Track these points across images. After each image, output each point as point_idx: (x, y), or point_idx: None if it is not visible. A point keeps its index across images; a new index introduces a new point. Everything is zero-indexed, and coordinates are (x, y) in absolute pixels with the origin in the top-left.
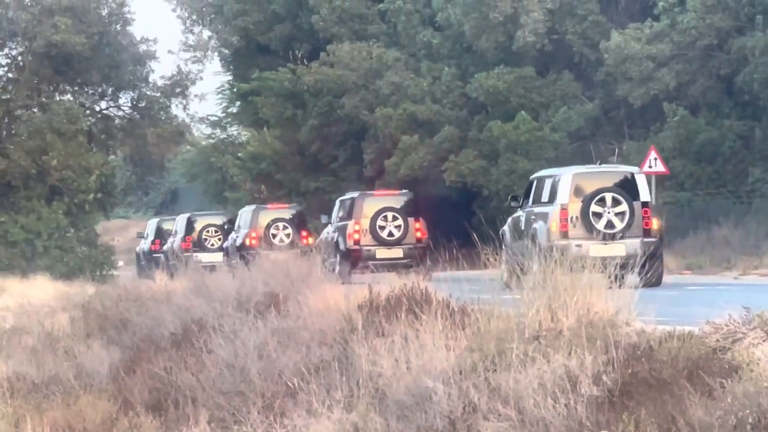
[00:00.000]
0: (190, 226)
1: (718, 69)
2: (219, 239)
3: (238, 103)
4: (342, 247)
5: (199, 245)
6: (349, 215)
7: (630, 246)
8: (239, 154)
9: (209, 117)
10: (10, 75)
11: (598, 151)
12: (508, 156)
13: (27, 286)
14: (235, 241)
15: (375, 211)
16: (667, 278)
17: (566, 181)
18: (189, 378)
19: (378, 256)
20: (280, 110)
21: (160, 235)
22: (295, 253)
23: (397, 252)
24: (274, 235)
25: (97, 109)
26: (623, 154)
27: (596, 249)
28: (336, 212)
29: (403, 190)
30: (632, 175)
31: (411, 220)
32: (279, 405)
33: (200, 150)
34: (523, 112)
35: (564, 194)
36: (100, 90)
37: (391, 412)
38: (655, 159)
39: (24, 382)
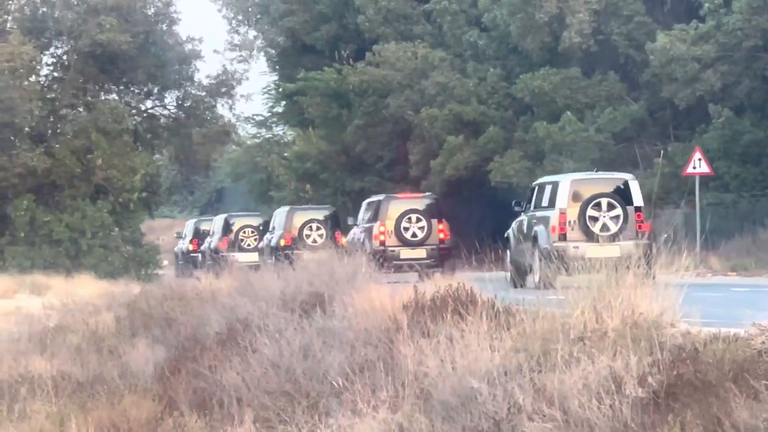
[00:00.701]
0: (227, 226)
1: (764, 70)
2: (255, 239)
3: (284, 102)
4: (368, 247)
5: (236, 245)
6: (374, 217)
7: (624, 247)
8: (284, 154)
9: (255, 117)
10: (55, 74)
11: (643, 152)
12: (553, 157)
13: (71, 284)
14: (270, 241)
15: (400, 213)
16: (711, 280)
17: (565, 186)
18: (234, 377)
19: (402, 257)
20: (325, 110)
21: (198, 235)
22: (332, 253)
23: (421, 252)
24: (308, 236)
25: (143, 108)
26: (668, 155)
27: (593, 250)
28: (362, 214)
29: (427, 193)
30: (626, 182)
31: (434, 221)
32: (324, 405)
33: (245, 150)
34: (568, 112)
35: (563, 199)
36: (145, 89)
37: (436, 413)
38: (700, 160)
39: (68, 382)
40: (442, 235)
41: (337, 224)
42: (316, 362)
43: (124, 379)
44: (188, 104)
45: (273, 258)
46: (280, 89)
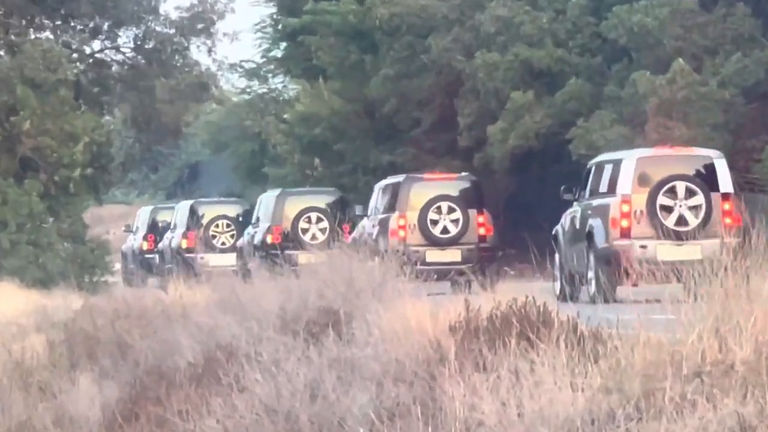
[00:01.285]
0: (194, 217)
1: None
2: (232, 236)
3: (284, 45)
4: (382, 247)
5: (206, 243)
6: (392, 206)
7: (707, 247)
8: (284, 116)
9: (243, 64)
10: None
11: None
12: (658, 120)
13: None
14: (252, 237)
15: (426, 200)
16: None
17: (629, 166)
18: (213, 427)
19: (428, 260)
20: (341, 55)
21: (156, 228)
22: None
23: (454, 254)
24: (305, 230)
25: (87, 52)
26: None
27: (665, 251)
28: (375, 202)
29: (464, 173)
30: (711, 160)
31: (473, 212)
32: None
33: (230, 110)
34: (680, 60)
35: (626, 183)
36: (91, 26)
37: None
38: None
39: None
40: (482, 231)
41: (344, 214)
42: (328, 406)
43: (61, 428)
44: (150, 46)
45: (256, 260)
46: (280, 26)
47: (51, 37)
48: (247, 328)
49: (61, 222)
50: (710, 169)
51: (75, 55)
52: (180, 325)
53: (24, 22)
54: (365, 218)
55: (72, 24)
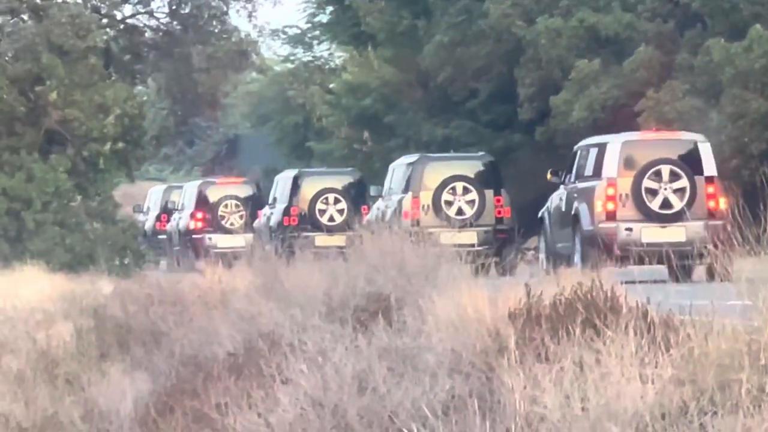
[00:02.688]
0: (201, 197)
1: None
2: (241, 216)
3: (330, 8)
4: (396, 228)
5: (215, 224)
6: (406, 187)
7: (691, 230)
8: (331, 86)
9: (286, 30)
10: None
11: None
12: (735, 92)
13: (11, 280)
14: (268, 219)
15: (441, 180)
16: None
17: (614, 150)
18: (255, 421)
19: (443, 242)
20: (392, 20)
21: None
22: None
23: (469, 236)
24: (323, 212)
25: (119, 17)
26: None
27: (650, 233)
28: (389, 182)
29: (480, 153)
30: (695, 144)
31: (489, 193)
32: None
33: (272, 79)
34: (758, 26)
35: (611, 166)
36: None
37: None
38: None
39: (6, 428)
40: (499, 213)
41: (362, 196)
42: (378, 399)
43: (90, 423)
44: (186, 11)
45: (271, 242)
46: None
47: (79, 0)
48: (290, 316)
49: (89, 200)
50: (695, 152)
51: (105, 21)
52: (218, 312)
53: None
54: (380, 199)
55: None
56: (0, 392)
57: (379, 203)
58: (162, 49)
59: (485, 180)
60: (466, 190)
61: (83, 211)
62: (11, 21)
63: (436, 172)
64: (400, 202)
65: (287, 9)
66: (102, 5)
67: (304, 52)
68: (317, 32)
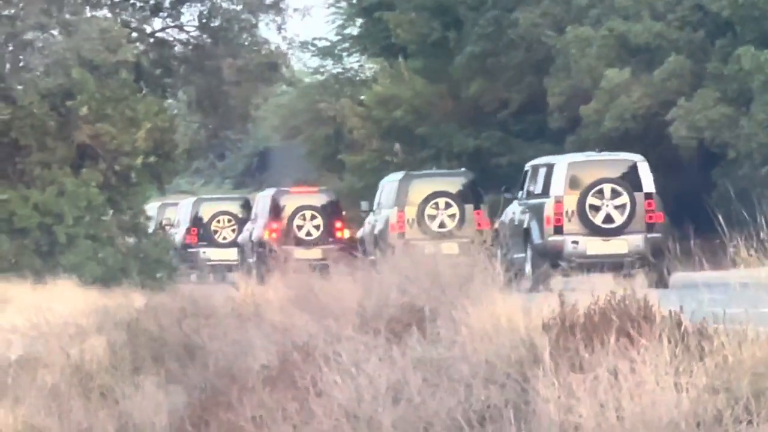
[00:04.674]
0: (196, 214)
1: None
2: (233, 230)
3: (360, 20)
4: (382, 241)
5: (208, 238)
6: (393, 202)
7: (632, 242)
8: (362, 98)
9: (316, 42)
10: None
11: None
12: (765, 99)
13: (44, 295)
14: (251, 233)
15: (424, 196)
16: None
17: (561, 170)
18: None
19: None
20: (422, 31)
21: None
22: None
23: (451, 248)
24: (300, 227)
25: (148, 31)
26: None
27: (594, 246)
28: (378, 198)
29: (462, 170)
30: (634, 164)
31: (469, 207)
32: None
33: (303, 91)
34: None
35: (558, 185)
36: (152, 2)
37: None
38: None
39: None
40: (478, 226)
41: (338, 212)
42: (413, 410)
43: None
44: (216, 24)
45: (254, 256)
46: (356, 1)
47: (109, 15)
48: (324, 327)
49: (121, 214)
50: (634, 171)
51: (135, 35)
52: (252, 324)
53: None
54: (371, 214)
55: (131, 1)
56: (35, 406)
57: (371, 217)
58: (192, 62)
59: (465, 195)
60: (447, 205)
61: (115, 225)
62: (42, 36)
63: (420, 188)
64: (387, 216)
65: (316, 21)
66: (132, 19)
67: (333, 65)
68: (347, 44)
